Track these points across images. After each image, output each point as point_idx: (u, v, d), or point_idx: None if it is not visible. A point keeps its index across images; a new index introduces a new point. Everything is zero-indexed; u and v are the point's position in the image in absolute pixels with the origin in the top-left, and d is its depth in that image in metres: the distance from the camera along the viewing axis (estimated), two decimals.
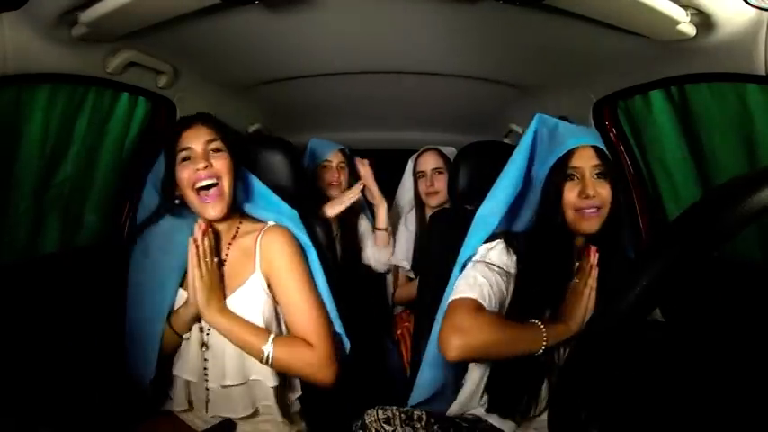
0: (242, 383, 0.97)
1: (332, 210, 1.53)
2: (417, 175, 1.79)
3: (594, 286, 0.90)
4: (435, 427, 0.85)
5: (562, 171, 0.94)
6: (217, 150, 0.97)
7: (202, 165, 0.93)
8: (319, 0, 0.92)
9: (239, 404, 0.99)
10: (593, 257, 0.90)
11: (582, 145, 0.94)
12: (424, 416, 0.85)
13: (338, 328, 1.05)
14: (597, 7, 0.85)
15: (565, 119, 1.47)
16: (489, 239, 1.00)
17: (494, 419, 0.96)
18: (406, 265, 1.74)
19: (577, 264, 0.97)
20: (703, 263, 0.40)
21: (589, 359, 0.47)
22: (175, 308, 0.99)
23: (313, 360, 0.94)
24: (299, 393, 1.04)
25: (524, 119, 1.72)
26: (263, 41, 1.12)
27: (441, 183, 1.70)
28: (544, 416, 0.91)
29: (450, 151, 1.80)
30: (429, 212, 1.76)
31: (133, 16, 0.87)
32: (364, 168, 1.68)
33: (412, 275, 1.73)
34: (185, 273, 0.97)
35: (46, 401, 0.96)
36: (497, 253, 0.97)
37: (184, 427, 1.02)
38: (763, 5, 0.75)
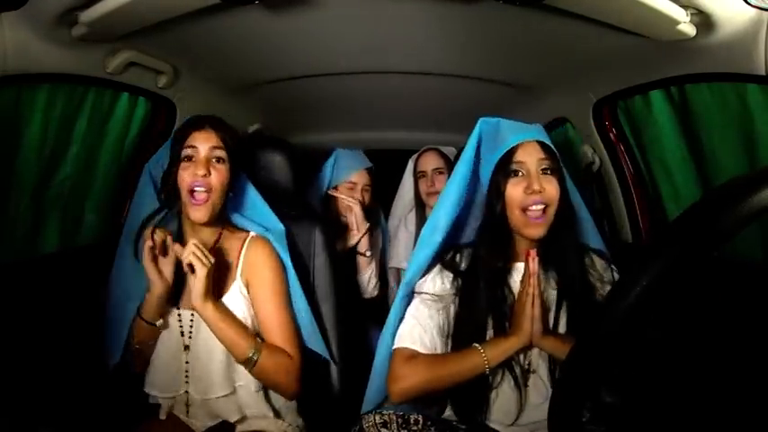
0: (230, 393, 0.98)
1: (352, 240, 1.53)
2: (418, 176, 1.79)
3: (537, 293, 0.86)
4: (432, 429, 0.85)
5: (505, 167, 0.91)
6: (219, 159, 0.98)
7: (202, 172, 0.95)
8: (319, 0, 0.92)
9: (226, 412, 1.00)
10: (533, 264, 0.86)
11: (526, 140, 0.91)
12: (420, 419, 0.86)
13: (316, 344, 1.07)
14: (597, 7, 0.85)
15: (565, 119, 1.48)
16: (433, 261, 0.98)
17: (493, 423, 0.96)
18: (406, 266, 1.74)
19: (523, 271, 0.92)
20: (703, 263, 0.40)
21: (589, 359, 0.47)
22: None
23: (291, 369, 0.97)
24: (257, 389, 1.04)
25: (524, 119, 1.72)
26: (264, 41, 1.12)
27: (441, 183, 1.70)
28: (536, 418, 0.91)
29: (450, 151, 1.80)
30: (429, 213, 1.76)
31: (133, 16, 0.87)
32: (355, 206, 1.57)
33: None
34: None
35: (46, 401, 0.96)
36: (430, 282, 0.97)
37: (183, 427, 1.02)
38: (763, 5, 0.75)
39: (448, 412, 1.00)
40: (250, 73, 1.36)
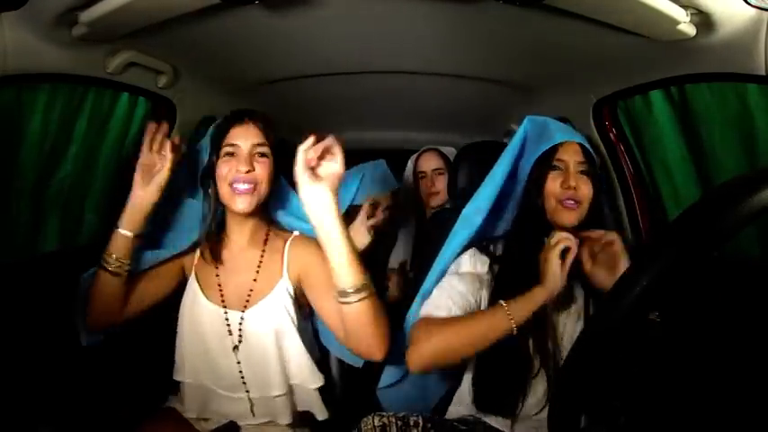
0: (286, 392, 0.98)
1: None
2: (418, 176, 1.79)
3: (563, 244, 0.86)
4: (432, 431, 0.85)
5: (548, 162, 0.97)
6: (262, 155, 0.95)
7: (245, 168, 0.92)
8: (320, 0, 0.92)
9: (282, 411, 0.99)
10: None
11: (569, 140, 0.97)
12: (420, 421, 0.85)
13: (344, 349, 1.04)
14: (597, 7, 0.85)
15: (565, 119, 1.48)
16: (466, 247, 1.00)
17: (492, 421, 0.95)
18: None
19: None
20: (703, 263, 0.40)
21: (589, 359, 0.47)
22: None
23: (387, 325, 0.87)
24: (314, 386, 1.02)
25: (524, 119, 1.73)
26: (264, 41, 1.12)
27: (441, 183, 1.70)
28: (543, 415, 0.91)
29: (450, 151, 1.79)
30: (429, 213, 1.76)
31: (133, 16, 0.87)
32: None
33: (412, 275, 1.73)
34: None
35: (46, 400, 0.96)
36: (467, 259, 0.99)
37: (187, 426, 1.02)
38: (763, 5, 0.75)
39: (451, 410, 1.00)
40: (250, 73, 1.36)
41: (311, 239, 0.99)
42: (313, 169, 0.81)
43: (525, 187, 1.00)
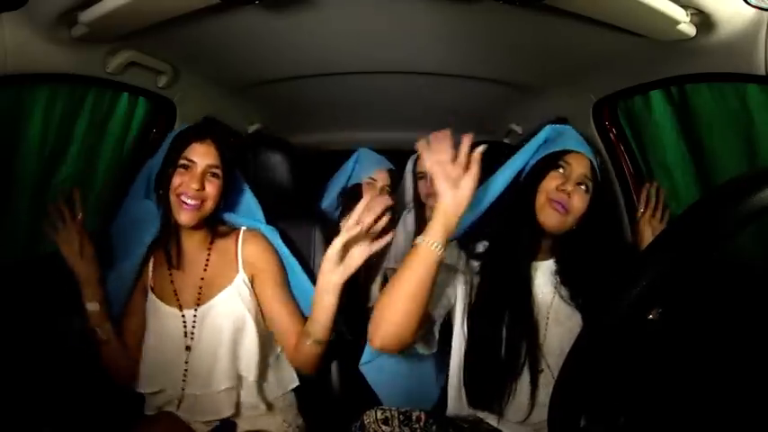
0: (235, 385, 1.00)
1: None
2: (417, 176, 1.79)
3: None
4: (434, 427, 0.85)
5: (554, 160, 0.97)
6: (214, 175, 1.00)
7: (196, 186, 0.97)
8: (319, 0, 0.92)
9: (220, 407, 1.01)
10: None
11: (582, 152, 0.97)
12: (422, 416, 0.85)
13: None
14: (597, 7, 0.85)
15: (565, 119, 1.48)
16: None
17: (494, 420, 0.96)
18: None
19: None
20: (703, 263, 0.40)
21: (589, 359, 0.47)
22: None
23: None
24: (293, 384, 1.06)
25: (524, 119, 1.73)
26: (263, 41, 1.12)
27: None
28: (544, 416, 0.91)
29: None
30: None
31: (133, 16, 0.87)
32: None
33: None
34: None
35: (48, 401, 0.96)
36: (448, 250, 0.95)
37: (183, 425, 1.02)
38: (763, 5, 0.75)
39: (450, 407, 1.00)
40: (250, 73, 1.36)
41: (261, 234, 1.06)
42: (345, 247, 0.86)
43: (524, 180, 1.00)
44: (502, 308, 0.94)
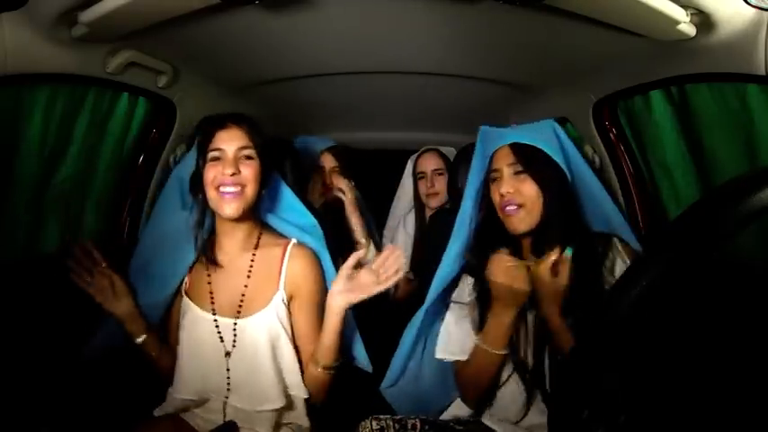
0: (284, 406, 0.98)
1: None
2: (417, 176, 1.79)
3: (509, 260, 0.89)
4: None
5: (488, 175, 0.97)
6: (248, 158, 0.95)
7: (230, 171, 0.92)
8: (319, 0, 0.92)
9: (267, 423, 0.99)
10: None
11: (502, 145, 0.96)
12: (417, 423, 0.86)
13: (360, 351, 1.08)
14: (597, 7, 0.85)
15: (565, 119, 1.48)
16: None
17: (489, 421, 0.96)
18: (405, 267, 1.73)
19: None
20: (703, 263, 0.40)
21: (589, 359, 0.47)
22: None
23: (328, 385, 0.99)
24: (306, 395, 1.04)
25: (524, 119, 1.72)
26: (263, 41, 1.12)
27: (441, 184, 1.70)
28: (539, 419, 0.91)
29: (450, 152, 1.79)
30: (429, 213, 1.76)
31: (133, 16, 0.87)
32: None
33: (411, 276, 1.73)
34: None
35: (47, 401, 0.96)
36: (459, 290, 1.02)
37: (185, 425, 1.02)
38: (763, 5, 0.75)
39: (450, 410, 1.01)
40: (250, 73, 1.36)
41: (309, 252, 1.01)
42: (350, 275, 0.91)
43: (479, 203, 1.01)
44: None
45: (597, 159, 1.36)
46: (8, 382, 0.90)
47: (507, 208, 0.92)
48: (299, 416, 1.02)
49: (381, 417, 0.86)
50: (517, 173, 0.93)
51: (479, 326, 0.94)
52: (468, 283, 1.00)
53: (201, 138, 0.97)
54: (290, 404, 1.00)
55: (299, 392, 0.98)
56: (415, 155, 1.84)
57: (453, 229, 1.03)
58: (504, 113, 1.70)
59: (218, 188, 0.93)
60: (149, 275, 1.02)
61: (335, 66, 1.32)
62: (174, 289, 1.02)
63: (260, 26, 1.02)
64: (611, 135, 1.30)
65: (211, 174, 0.94)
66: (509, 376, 0.93)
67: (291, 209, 1.08)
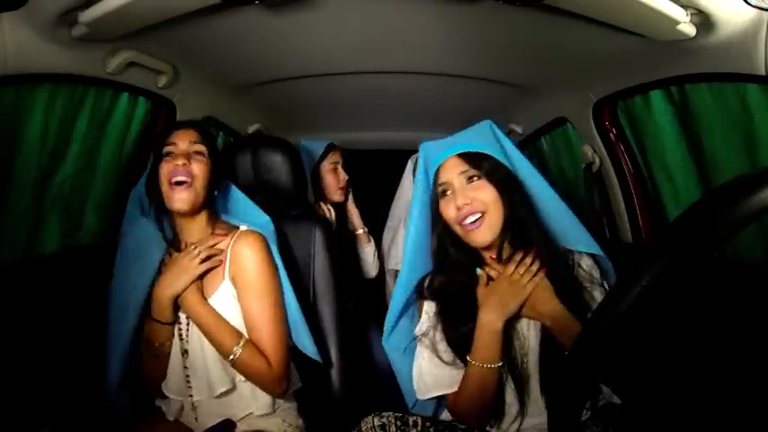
0: (232, 388, 0.98)
1: None
2: None
3: (485, 277, 0.90)
4: (431, 430, 0.85)
5: (436, 190, 0.93)
6: (198, 153, 0.99)
7: (181, 161, 0.96)
8: (319, 0, 0.92)
9: (232, 410, 0.99)
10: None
11: (448, 157, 0.92)
12: (419, 421, 0.86)
13: (304, 343, 1.04)
14: (597, 7, 0.85)
15: (565, 119, 1.48)
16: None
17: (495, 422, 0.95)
18: None
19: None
20: (703, 263, 0.40)
21: (588, 360, 0.47)
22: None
23: (265, 377, 0.95)
24: (296, 386, 1.04)
25: (524, 119, 1.73)
26: (263, 41, 1.12)
27: None
28: (542, 418, 0.91)
29: None
30: None
31: (133, 16, 0.87)
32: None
33: None
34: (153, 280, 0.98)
35: (46, 401, 0.96)
36: (424, 321, 0.96)
37: (182, 426, 1.02)
38: (763, 5, 0.75)
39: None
40: (250, 73, 1.36)
41: (255, 235, 1.01)
42: None
43: (432, 222, 0.96)
44: (471, 333, 0.90)
45: (597, 159, 1.36)
46: (8, 383, 0.90)
47: (466, 222, 0.88)
48: (262, 401, 1.00)
49: (383, 413, 0.86)
50: (470, 181, 0.90)
51: (456, 347, 0.91)
52: (430, 310, 0.96)
53: (158, 141, 1.02)
54: (241, 389, 0.99)
55: (241, 378, 0.97)
56: (415, 155, 1.83)
57: (403, 257, 0.99)
58: (504, 113, 1.71)
59: (169, 180, 0.96)
60: (128, 284, 1.01)
61: (335, 66, 1.32)
62: (148, 288, 1.00)
63: (260, 26, 1.02)
64: (611, 135, 1.30)
65: (165, 169, 0.97)
66: (504, 379, 0.90)
67: (246, 210, 1.11)
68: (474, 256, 0.95)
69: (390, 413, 0.86)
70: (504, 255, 0.94)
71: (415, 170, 1.80)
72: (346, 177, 1.71)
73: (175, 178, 0.96)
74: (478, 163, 0.90)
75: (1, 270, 0.96)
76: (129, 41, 0.99)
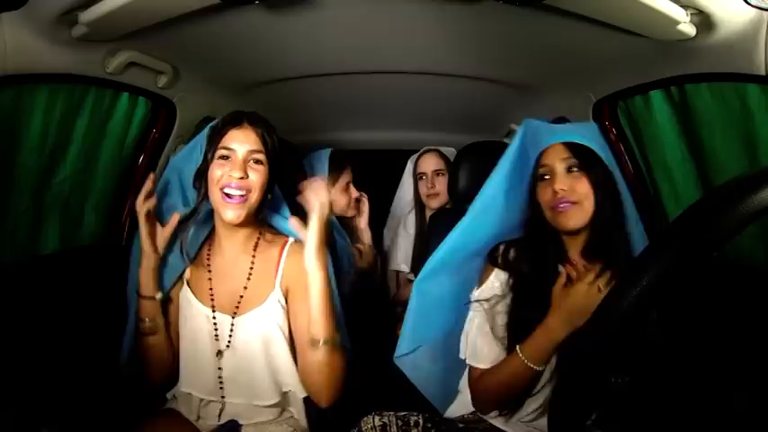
0: (279, 402, 0.97)
1: None
2: (418, 177, 1.79)
3: (564, 277, 0.88)
4: (432, 431, 0.85)
5: (535, 172, 0.94)
6: (257, 162, 0.93)
7: (238, 174, 0.90)
8: (319, 0, 0.92)
9: (262, 416, 0.99)
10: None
11: (555, 143, 0.93)
12: (420, 420, 0.86)
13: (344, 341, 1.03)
14: (597, 7, 0.85)
15: (564, 119, 1.48)
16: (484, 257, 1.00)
17: (494, 420, 0.96)
18: (406, 268, 1.74)
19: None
20: (703, 263, 0.40)
21: (589, 359, 0.47)
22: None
23: (332, 379, 0.91)
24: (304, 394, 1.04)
25: (524, 119, 1.73)
26: (264, 41, 1.12)
27: (441, 184, 1.70)
28: (544, 418, 0.91)
29: (450, 151, 1.80)
30: (429, 214, 1.76)
31: (133, 16, 0.87)
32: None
33: (412, 277, 1.73)
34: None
35: (47, 401, 0.96)
36: (487, 290, 0.96)
37: (186, 425, 1.02)
38: (763, 5, 0.75)
39: (452, 408, 1.01)
40: (250, 73, 1.36)
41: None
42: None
43: (528, 199, 0.97)
44: (538, 315, 0.89)
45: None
46: (8, 382, 0.90)
47: (561, 205, 0.89)
48: (299, 414, 1.02)
49: (384, 413, 0.86)
50: (570, 171, 0.91)
51: (514, 329, 0.91)
52: (498, 279, 0.96)
53: (212, 133, 0.96)
54: (285, 401, 1.00)
55: (297, 391, 0.97)
56: (416, 155, 1.84)
57: (467, 215, 0.99)
58: (504, 113, 1.71)
59: (222, 189, 0.91)
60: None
61: (336, 66, 1.32)
62: (177, 275, 1.01)
63: (260, 26, 1.02)
64: (611, 135, 1.30)
65: (218, 172, 0.91)
66: (542, 387, 0.90)
67: (280, 210, 1.08)
68: (559, 250, 0.95)
69: (391, 413, 0.86)
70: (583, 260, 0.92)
71: (414, 170, 1.80)
72: (357, 194, 1.58)
73: (229, 190, 0.90)
74: (582, 155, 0.91)
75: (1, 270, 0.96)
76: (129, 41, 0.99)
